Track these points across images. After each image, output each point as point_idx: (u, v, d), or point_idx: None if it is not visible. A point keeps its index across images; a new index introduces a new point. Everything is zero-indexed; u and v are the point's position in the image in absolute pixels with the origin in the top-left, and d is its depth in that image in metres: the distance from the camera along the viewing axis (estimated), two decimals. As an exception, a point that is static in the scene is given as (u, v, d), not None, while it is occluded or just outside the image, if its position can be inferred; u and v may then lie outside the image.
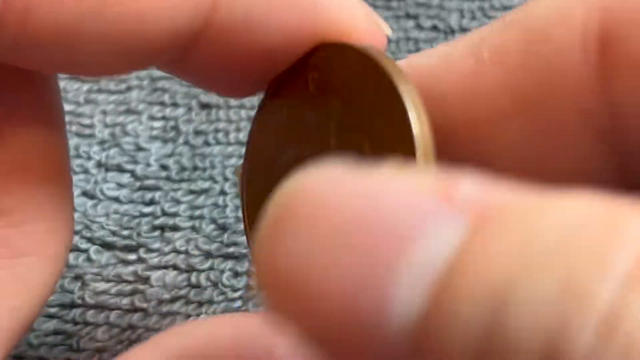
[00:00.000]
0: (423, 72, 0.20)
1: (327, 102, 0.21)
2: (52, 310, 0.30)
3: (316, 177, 0.15)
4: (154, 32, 0.18)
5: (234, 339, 0.18)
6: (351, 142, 0.20)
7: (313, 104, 0.21)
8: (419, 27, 0.36)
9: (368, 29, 0.21)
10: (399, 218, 0.13)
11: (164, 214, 0.32)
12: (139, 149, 0.34)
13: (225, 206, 0.32)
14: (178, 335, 0.18)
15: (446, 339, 0.13)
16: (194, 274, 0.31)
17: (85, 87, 0.34)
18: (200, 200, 0.32)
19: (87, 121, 0.34)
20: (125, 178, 0.33)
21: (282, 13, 0.20)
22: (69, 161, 0.22)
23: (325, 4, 0.20)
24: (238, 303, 0.30)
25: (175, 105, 0.34)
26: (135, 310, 0.30)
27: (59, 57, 0.18)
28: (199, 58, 0.20)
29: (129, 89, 0.34)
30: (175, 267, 0.31)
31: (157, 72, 0.35)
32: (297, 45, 0.20)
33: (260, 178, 0.21)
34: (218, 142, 0.34)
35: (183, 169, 0.33)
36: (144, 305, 0.30)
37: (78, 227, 0.31)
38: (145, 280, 0.30)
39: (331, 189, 0.14)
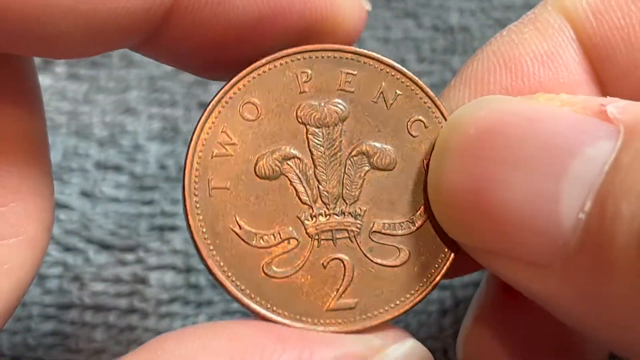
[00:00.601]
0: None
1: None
2: (50, 311, 0.30)
3: (488, 106, 0.18)
4: (124, 5, 0.18)
5: (228, 351, 0.18)
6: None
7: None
8: (419, 26, 0.36)
9: (346, 5, 0.21)
10: (562, 136, 0.17)
11: (163, 214, 0.32)
12: (138, 148, 0.33)
13: (225, 206, 0.32)
14: (174, 343, 0.18)
15: (609, 234, 0.15)
16: (193, 274, 0.31)
17: (85, 87, 0.34)
18: (200, 200, 0.32)
19: (86, 120, 0.34)
20: (124, 178, 0.33)
21: None
22: (47, 144, 0.21)
23: None
24: (237, 303, 0.30)
25: (174, 105, 0.34)
26: (133, 310, 0.30)
27: (28, 35, 0.18)
28: (170, 35, 0.19)
29: (128, 88, 0.34)
30: (174, 267, 0.31)
31: (156, 72, 0.35)
32: (272, 23, 0.20)
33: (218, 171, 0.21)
34: (217, 142, 0.34)
35: (182, 168, 0.33)
36: (143, 305, 0.30)
37: (76, 227, 0.31)
38: (144, 280, 0.30)
39: (501, 115, 0.18)
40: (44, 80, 0.34)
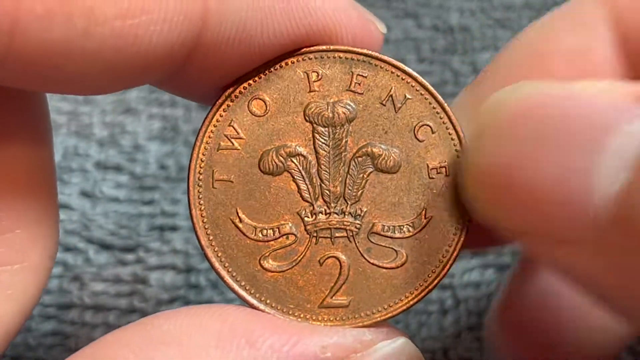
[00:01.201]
0: None
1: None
2: (50, 311, 0.30)
3: (526, 88, 0.18)
4: (144, 50, 0.18)
5: (217, 330, 0.18)
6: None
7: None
8: (419, 26, 0.36)
9: (363, 30, 0.21)
10: (599, 114, 0.17)
11: (163, 213, 0.32)
12: (138, 148, 0.33)
13: (225, 206, 0.32)
14: (164, 320, 0.19)
15: None
16: (193, 274, 0.31)
17: (84, 86, 0.34)
18: (200, 200, 0.32)
19: (86, 121, 0.34)
20: (124, 178, 0.33)
21: (275, 22, 0.20)
22: (54, 172, 0.22)
23: (319, 8, 0.20)
24: (237, 303, 0.30)
25: (174, 105, 0.34)
26: (133, 310, 0.30)
27: (48, 76, 0.18)
28: (191, 73, 0.20)
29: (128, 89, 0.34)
30: (174, 267, 0.31)
31: (156, 72, 0.35)
32: (289, 50, 0.20)
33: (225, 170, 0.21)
34: (217, 142, 0.34)
35: (182, 168, 0.33)
36: (143, 305, 0.30)
37: (77, 227, 0.31)
38: (144, 280, 0.30)
39: (539, 96, 0.18)
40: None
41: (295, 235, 0.21)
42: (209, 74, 0.20)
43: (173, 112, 0.34)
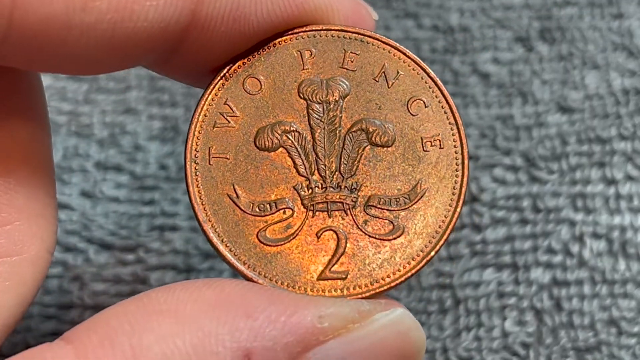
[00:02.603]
0: None
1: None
2: (51, 311, 0.30)
3: None
4: (141, 25, 0.18)
5: (213, 301, 0.18)
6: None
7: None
8: (419, 26, 0.36)
9: (355, 13, 0.21)
10: None
11: (163, 214, 0.32)
12: (138, 148, 0.33)
13: (225, 206, 0.32)
14: (161, 292, 0.19)
15: None
16: (194, 274, 0.31)
17: (85, 87, 0.34)
18: (200, 200, 0.32)
19: (86, 121, 0.34)
20: (125, 178, 0.33)
21: (269, 1, 0.20)
22: (53, 166, 0.22)
23: None
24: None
25: (174, 105, 0.34)
26: (134, 310, 0.30)
27: (48, 52, 0.18)
28: (186, 53, 0.20)
29: (128, 88, 0.34)
30: (174, 268, 0.31)
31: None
32: (279, 29, 0.21)
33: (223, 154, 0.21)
34: (217, 142, 0.34)
35: (182, 168, 0.33)
36: (143, 305, 0.30)
37: (77, 227, 0.31)
38: (144, 280, 0.30)
39: None
40: (44, 80, 0.34)
41: (292, 210, 0.21)
42: (203, 53, 0.20)
43: (173, 112, 0.34)
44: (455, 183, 0.21)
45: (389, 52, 0.21)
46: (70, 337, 0.18)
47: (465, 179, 0.21)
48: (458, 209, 0.21)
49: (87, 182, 0.32)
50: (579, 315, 0.30)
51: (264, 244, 0.21)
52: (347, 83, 0.21)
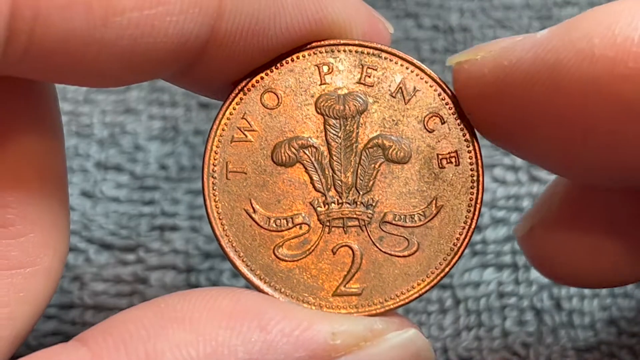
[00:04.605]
0: None
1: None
2: (51, 310, 0.30)
3: None
4: (161, 41, 0.18)
5: (229, 310, 0.19)
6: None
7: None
8: (419, 26, 0.36)
9: (372, 28, 0.21)
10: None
11: (163, 213, 0.32)
12: (139, 148, 0.33)
13: (225, 206, 0.32)
14: (177, 299, 0.19)
15: None
16: (194, 274, 0.31)
17: (85, 87, 0.34)
18: (200, 200, 0.32)
19: (86, 121, 0.34)
20: (125, 178, 0.33)
21: (288, 15, 0.20)
22: (66, 176, 0.22)
23: (329, 4, 0.20)
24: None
25: (174, 105, 0.34)
26: (134, 310, 0.30)
27: (67, 66, 0.18)
28: (205, 67, 0.20)
29: (128, 88, 0.34)
30: (174, 268, 0.31)
31: (156, 72, 0.35)
32: (298, 45, 0.21)
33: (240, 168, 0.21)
34: (217, 142, 0.34)
35: (182, 168, 0.33)
36: (143, 305, 0.30)
37: (77, 227, 0.31)
38: (145, 280, 0.30)
39: None
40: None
41: (309, 225, 0.21)
42: (221, 67, 0.20)
43: (173, 112, 0.34)
44: (471, 200, 0.21)
45: (406, 68, 0.21)
46: (86, 338, 0.19)
47: (480, 196, 0.21)
48: (473, 226, 0.21)
49: (87, 182, 0.32)
50: (579, 315, 0.30)
51: (280, 259, 0.21)
52: (364, 98, 0.21)
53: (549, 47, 0.19)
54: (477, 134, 0.21)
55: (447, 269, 0.21)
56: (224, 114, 0.21)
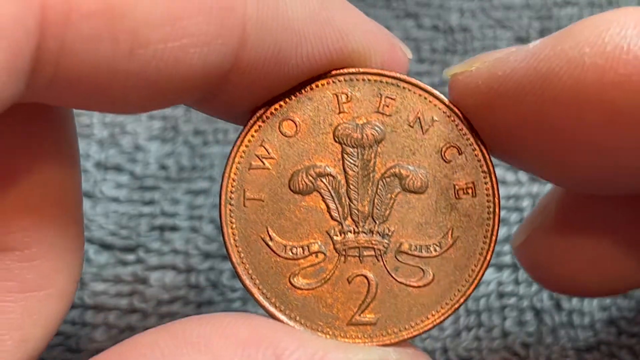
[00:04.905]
0: None
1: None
2: (51, 310, 0.30)
3: None
4: (184, 71, 0.18)
5: (245, 338, 0.19)
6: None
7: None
8: (419, 26, 0.36)
9: (391, 55, 0.21)
10: None
11: (163, 214, 0.32)
12: (138, 148, 0.33)
13: (225, 206, 0.32)
14: (195, 324, 0.19)
15: None
16: (194, 274, 0.31)
17: (85, 86, 0.34)
18: (200, 200, 0.32)
19: (86, 121, 0.34)
20: (124, 178, 0.33)
21: (309, 45, 0.20)
22: (81, 199, 0.22)
23: (350, 32, 0.21)
24: (237, 303, 0.30)
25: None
26: (134, 310, 0.30)
27: (92, 95, 0.18)
28: (227, 94, 0.20)
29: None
30: (174, 268, 0.31)
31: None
32: (318, 73, 0.21)
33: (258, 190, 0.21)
34: (217, 142, 0.34)
35: (182, 168, 0.33)
36: (143, 305, 0.30)
37: (77, 227, 0.31)
38: (144, 280, 0.30)
39: None
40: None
41: (325, 254, 0.21)
42: (243, 94, 0.20)
43: (173, 112, 0.34)
44: (486, 232, 0.21)
45: (424, 98, 0.21)
46: None
47: (496, 227, 0.21)
48: (488, 258, 0.21)
49: (87, 182, 0.32)
50: (579, 315, 0.30)
51: (296, 287, 0.21)
52: (382, 128, 0.21)
53: (541, 57, 0.19)
54: (494, 165, 0.21)
55: (461, 300, 0.21)
56: (242, 141, 0.21)
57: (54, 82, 0.17)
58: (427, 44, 0.36)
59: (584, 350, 0.29)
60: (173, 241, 0.31)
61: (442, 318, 0.21)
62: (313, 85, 0.21)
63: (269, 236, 0.21)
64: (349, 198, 0.21)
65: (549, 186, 0.32)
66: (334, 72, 0.21)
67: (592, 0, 0.36)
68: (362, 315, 0.21)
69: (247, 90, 0.20)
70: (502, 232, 0.31)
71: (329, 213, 0.21)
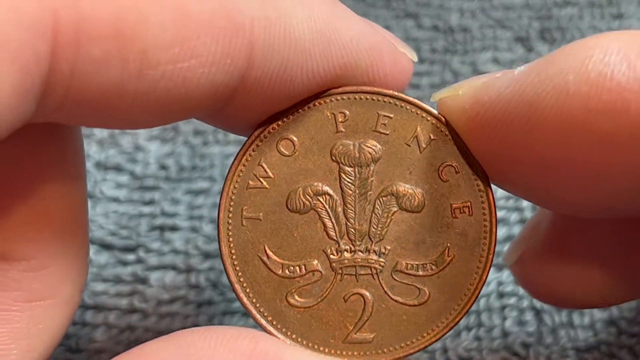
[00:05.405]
0: None
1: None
2: (51, 310, 0.30)
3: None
4: (192, 90, 0.19)
5: (248, 351, 0.19)
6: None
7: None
8: (419, 26, 0.36)
9: (394, 66, 0.21)
10: None
11: (163, 214, 0.32)
12: (138, 148, 0.33)
13: (225, 206, 0.32)
14: (199, 337, 0.19)
15: None
16: (194, 274, 0.31)
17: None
18: (200, 200, 0.32)
19: (86, 121, 0.34)
20: (124, 178, 0.33)
21: (315, 63, 0.20)
22: (87, 208, 0.22)
23: (355, 48, 0.21)
24: (237, 303, 0.30)
25: (174, 104, 0.34)
26: (134, 310, 0.30)
27: (101, 114, 0.19)
28: (234, 110, 0.20)
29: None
30: (174, 268, 0.31)
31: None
32: (323, 87, 0.21)
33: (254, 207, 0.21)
34: (217, 142, 0.34)
35: (182, 168, 0.33)
36: (143, 305, 0.30)
37: (77, 227, 0.31)
38: (144, 280, 0.30)
39: None
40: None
41: (321, 272, 0.21)
42: (249, 110, 0.21)
43: (173, 112, 0.34)
44: (483, 251, 0.21)
45: (422, 116, 0.21)
46: None
47: (492, 246, 0.21)
48: (484, 277, 0.21)
49: (87, 182, 0.32)
50: (579, 315, 0.30)
51: (293, 305, 0.21)
52: (379, 147, 0.21)
53: (527, 83, 0.19)
54: (491, 185, 0.21)
55: (457, 319, 0.21)
56: (240, 161, 0.21)
57: (64, 104, 0.18)
58: (427, 44, 0.36)
59: (584, 350, 0.29)
60: (173, 241, 0.31)
61: (437, 337, 0.21)
62: (311, 105, 0.21)
63: (267, 255, 0.21)
64: (346, 217, 0.21)
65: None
66: (331, 91, 0.21)
67: (592, 0, 0.36)
68: (358, 333, 0.21)
69: (252, 106, 0.20)
70: (502, 232, 0.32)
71: (326, 232, 0.21)
